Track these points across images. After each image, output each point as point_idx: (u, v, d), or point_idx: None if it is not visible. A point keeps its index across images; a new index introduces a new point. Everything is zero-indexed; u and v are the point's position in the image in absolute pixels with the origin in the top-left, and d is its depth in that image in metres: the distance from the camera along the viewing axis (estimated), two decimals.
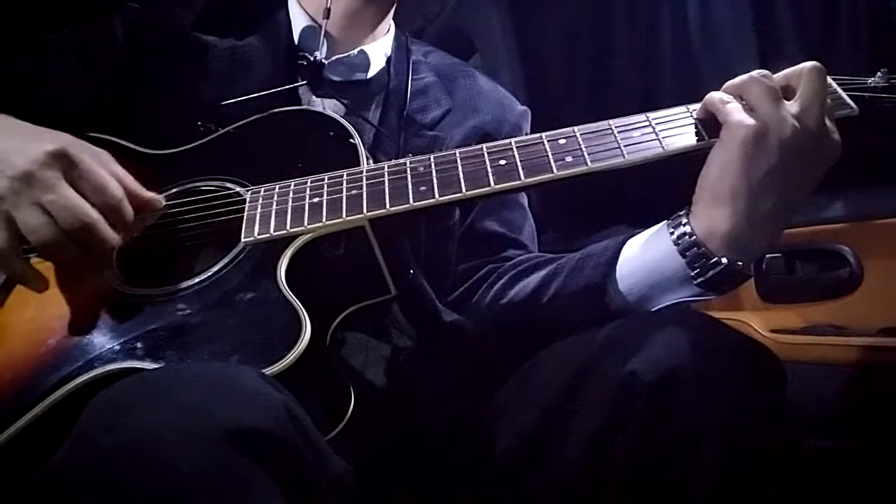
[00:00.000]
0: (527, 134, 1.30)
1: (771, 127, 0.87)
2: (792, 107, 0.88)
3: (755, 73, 0.90)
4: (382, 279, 0.98)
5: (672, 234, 0.92)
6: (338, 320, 0.97)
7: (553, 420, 0.92)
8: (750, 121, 0.87)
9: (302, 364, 0.83)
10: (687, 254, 0.91)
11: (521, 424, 0.96)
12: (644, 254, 0.97)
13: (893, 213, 1.49)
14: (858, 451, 1.42)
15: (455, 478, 1.04)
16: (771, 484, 0.81)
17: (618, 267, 0.99)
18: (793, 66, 0.92)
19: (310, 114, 1.13)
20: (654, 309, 0.97)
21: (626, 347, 0.86)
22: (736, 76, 0.92)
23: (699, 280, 0.91)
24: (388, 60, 1.27)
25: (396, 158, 1.12)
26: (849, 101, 0.94)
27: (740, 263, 0.89)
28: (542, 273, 1.10)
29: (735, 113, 0.89)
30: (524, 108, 1.35)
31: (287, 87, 1.15)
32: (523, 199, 1.31)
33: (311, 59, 1.17)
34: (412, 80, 1.25)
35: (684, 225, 0.91)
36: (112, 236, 0.89)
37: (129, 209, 0.91)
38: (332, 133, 1.05)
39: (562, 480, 0.90)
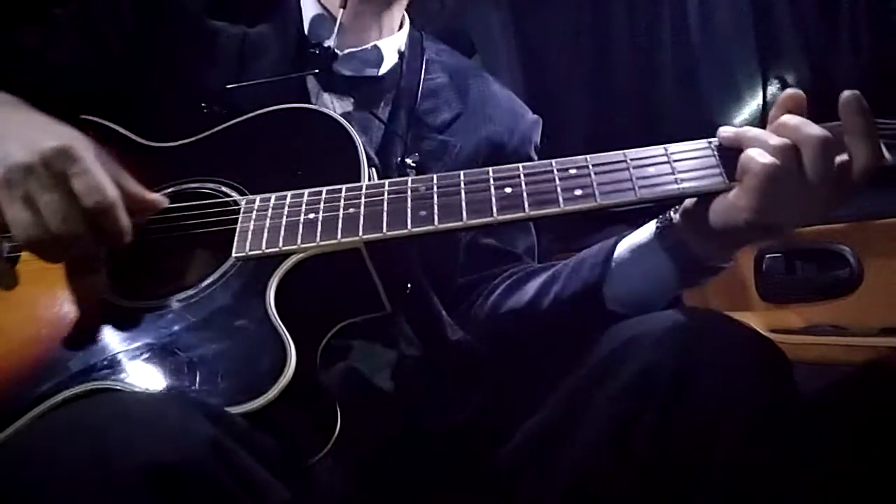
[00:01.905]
0: (537, 144, 1.30)
1: (796, 189, 0.84)
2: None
3: (822, 134, 0.83)
4: (377, 297, 0.95)
5: (663, 244, 0.98)
6: (328, 336, 0.95)
7: (576, 406, 0.93)
8: (778, 181, 0.83)
9: (287, 394, 0.81)
10: (679, 262, 0.98)
11: (538, 417, 0.97)
12: (636, 259, 1.01)
13: (893, 213, 1.50)
14: (858, 451, 1.42)
15: (458, 482, 1.04)
16: (787, 458, 0.84)
17: (612, 270, 1.02)
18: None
19: (316, 114, 1.07)
20: (644, 306, 1.00)
21: (652, 336, 0.89)
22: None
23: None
24: (401, 57, 1.23)
25: (403, 159, 1.12)
26: (886, 152, 0.85)
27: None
28: (540, 280, 1.11)
29: (762, 174, 0.83)
30: (536, 116, 1.32)
31: (297, 74, 1.11)
32: None
33: (324, 46, 1.13)
34: (424, 79, 1.21)
35: (675, 236, 0.97)
36: (95, 246, 0.86)
37: (122, 215, 0.86)
38: (336, 138, 1.00)
39: (583, 468, 0.91)
